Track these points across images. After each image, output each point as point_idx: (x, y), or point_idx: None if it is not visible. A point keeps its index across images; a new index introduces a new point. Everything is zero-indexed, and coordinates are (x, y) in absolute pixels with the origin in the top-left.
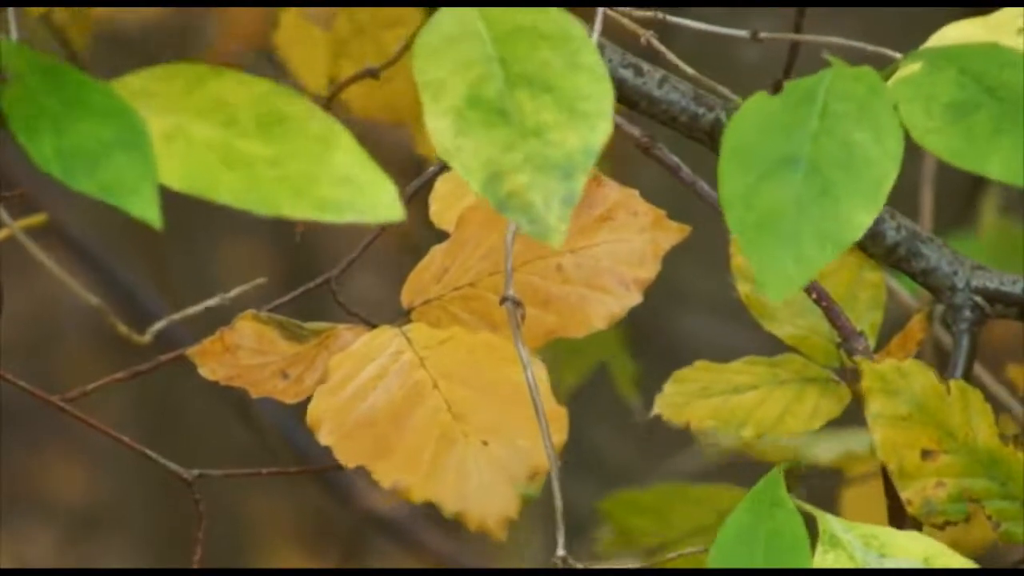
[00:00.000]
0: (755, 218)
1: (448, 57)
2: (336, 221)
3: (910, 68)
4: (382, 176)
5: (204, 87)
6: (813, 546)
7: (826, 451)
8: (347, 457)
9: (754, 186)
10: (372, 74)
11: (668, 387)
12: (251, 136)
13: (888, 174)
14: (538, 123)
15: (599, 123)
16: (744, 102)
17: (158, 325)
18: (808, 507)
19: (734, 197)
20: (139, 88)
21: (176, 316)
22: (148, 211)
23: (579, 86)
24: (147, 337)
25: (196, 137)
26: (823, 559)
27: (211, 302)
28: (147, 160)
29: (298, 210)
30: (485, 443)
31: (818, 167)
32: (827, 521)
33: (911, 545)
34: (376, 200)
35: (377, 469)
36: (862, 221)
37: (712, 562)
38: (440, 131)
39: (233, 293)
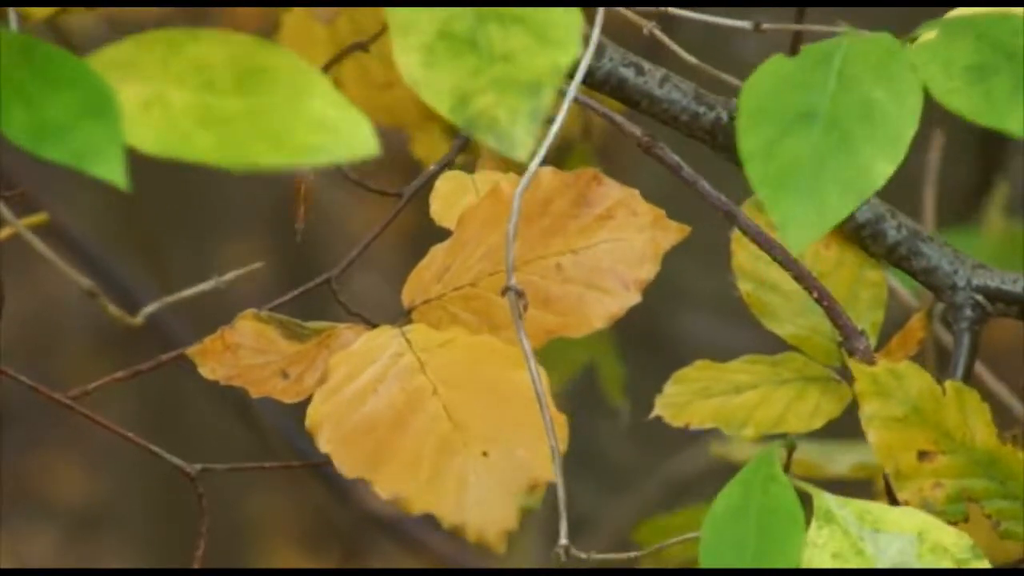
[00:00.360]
0: (775, 171)
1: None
2: (313, 164)
3: (926, 36)
4: (357, 115)
5: (182, 52)
6: (808, 523)
7: (840, 464)
8: (346, 466)
9: (773, 141)
10: (361, 47)
11: (669, 387)
12: (228, 93)
13: (907, 129)
14: (507, 50)
15: (569, 46)
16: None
17: (150, 308)
18: (802, 483)
19: (754, 152)
20: (118, 59)
21: (170, 298)
22: (114, 174)
23: (549, 17)
24: (139, 319)
25: (173, 102)
26: (817, 535)
27: (205, 286)
28: (114, 125)
29: (275, 159)
30: (485, 454)
31: (836, 121)
32: (822, 497)
33: (904, 520)
34: (351, 139)
35: (376, 479)
36: (883, 170)
37: (703, 538)
38: (409, 64)
39: (228, 276)
